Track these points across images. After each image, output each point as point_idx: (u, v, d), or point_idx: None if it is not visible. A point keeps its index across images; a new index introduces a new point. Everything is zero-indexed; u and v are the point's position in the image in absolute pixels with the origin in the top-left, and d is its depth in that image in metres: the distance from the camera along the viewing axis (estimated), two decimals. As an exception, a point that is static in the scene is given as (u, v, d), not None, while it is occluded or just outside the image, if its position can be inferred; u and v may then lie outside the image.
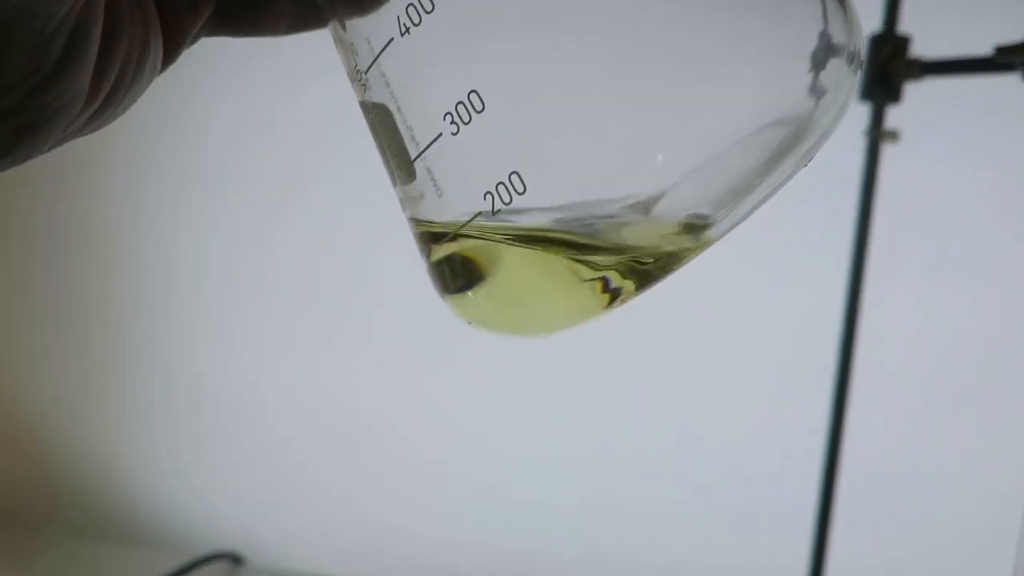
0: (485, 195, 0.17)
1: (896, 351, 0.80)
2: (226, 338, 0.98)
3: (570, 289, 0.18)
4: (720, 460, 0.87)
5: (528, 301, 0.19)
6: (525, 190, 0.17)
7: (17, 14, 0.15)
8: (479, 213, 0.18)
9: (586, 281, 0.18)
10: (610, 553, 0.91)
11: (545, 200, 0.17)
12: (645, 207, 0.17)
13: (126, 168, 0.96)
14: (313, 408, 0.96)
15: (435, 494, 0.94)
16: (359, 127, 0.20)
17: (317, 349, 0.96)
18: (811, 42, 0.17)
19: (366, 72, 0.18)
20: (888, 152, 0.66)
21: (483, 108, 0.17)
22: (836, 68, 0.17)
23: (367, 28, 0.18)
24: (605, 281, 0.18)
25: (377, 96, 0.18)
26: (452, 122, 0.17)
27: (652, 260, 0.18)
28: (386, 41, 0.18)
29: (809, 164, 0.18)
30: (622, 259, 0.18)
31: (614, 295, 0.18)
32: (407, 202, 0.19)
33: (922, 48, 0.62)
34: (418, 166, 0.18)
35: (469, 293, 0.19)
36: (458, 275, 0.19)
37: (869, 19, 0.62)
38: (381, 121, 0.19)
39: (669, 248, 0.18)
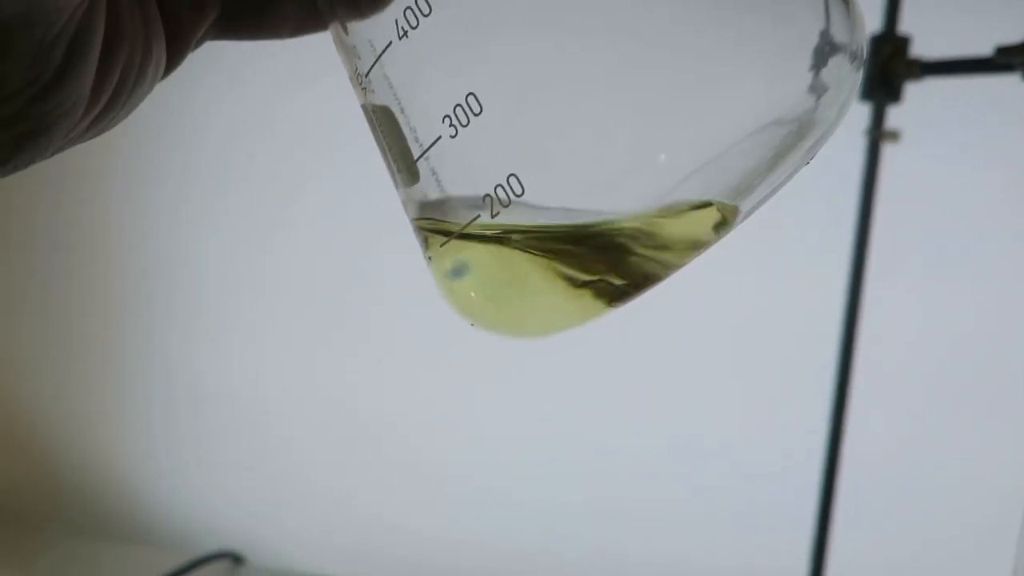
0: (484, 198, 0.17)
1: (896, 351, 0.80)
2: (226, 337, 0.98)
3: (570, 290, 0.18)
4: (720, 460, 0.87)
5: (529, 302, 0.19)
6: (523, 192, 0.17)
7: (17, 22, 0.15)
8: (479, 215, 0.18)
9: (586, 282, 0.18)
10: (610, 553, 0.91)
11: (545, 202, 0.17)
12: (645, 208, 0.17)
13: (126, 168, 0.96)
14: (313, 408, 0.96)
15: (435, 494, 0.94)
16: (358, 127, 0.20)
17: (317, 348, 0.96)
18: (812, 41, 0.17)
19: (366, 75, 0.18)
20: (888, 152, 0.66)
21: (481, 111, 0.17)
22: (838, 66, 0.17)
23: (369, 31, 0.18)
24: (605, 282, 0.18)
25: (380, 98, 0.18)
26: (451, 125, 0.17)
27: (652, 261, 0.18)
28: (385, 44, 0.18)
29: (810, 163, 0.18)
30: (622, 260, 0.18)
31: (614, 296, 0.18)
32: (409, 204, 0.19)
33: (922, 48, 0.62)
34: (421, 167, 0.18)
35: (471, 294, 0.19)
36: (460, 276, 0.19)
37: (870, 19, 0.62)
38: (384, 123, 0.19)
39: (669, 249, 0.18)
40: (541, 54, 0.17)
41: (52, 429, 1.03)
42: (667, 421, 0.88)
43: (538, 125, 0.17)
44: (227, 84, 0.89)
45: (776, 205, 0.19)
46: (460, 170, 0.18)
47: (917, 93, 0.63)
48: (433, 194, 0.18)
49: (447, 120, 0.17)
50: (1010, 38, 0.57)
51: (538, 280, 0.18)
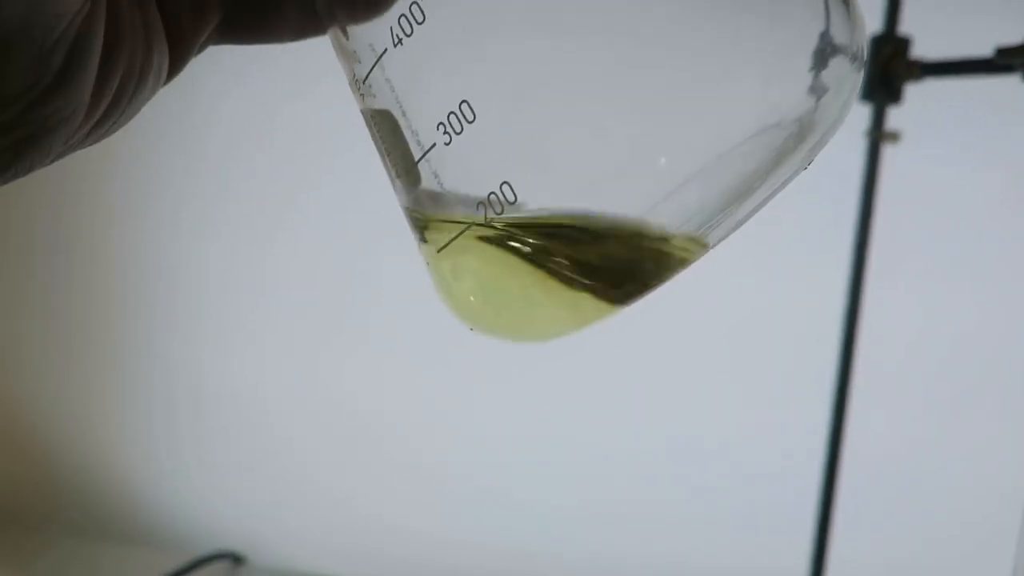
0: (478, 205, 0.17)
1: (896, 351, 0.80)
2: (226, 339, 0.98)
3: (568, 294, 0.18)
4: (720, 460, 0.87)
5: (527, 306, 0.19)
6: (516, 199, 0.17)
7: (16, 28, 0.15)
8: (473, 222, 0.18)
9: (584, 286, 0.18)
10: (610, 553, 0.91)
11: (540, 207, 0.17)
12: (644, 212, 0.17)
13: (127, 172, 0.96)
14: (313, 408, 0.96)
15: (435, 494, 0.94)
16: (358, 132, 0.20)
17: (317, 350, 0.96)
18: (812, 42, 0.17)
19: (363, 81, 0.18)
20: (889, 153, 0.66)
21: (474, 118, 0.17)
22: (838, 67, 0.17)
23: (369, 35, 0.18)
24: (603, 286, 0.18)
25: (380, 102, 0.18)
26: (445, 132, 0.17)
27: (652, 264, 0.18)
28: (381, 51, 0.18)
29: (809, 167, 0.18)
30: (621, 264, 0.18)
31: (613, 299, 0.18)
32: (408, 209, 0.19)
33: (923, 49, 0.62)
34: (422, 170, 0.18)
35: (471, 298, 0.19)
36: (459, 281, 0.19)
37: (870, 20, 0.62)
38: (383, 127, 0.19)
39: (668, 252, 0.18)
40: (534, 61, 0.17)
41: (53, 430, 1.03)
42: (667, 422, 0.88)
43: (531, 132, 0.17)
44: (227, 88, 0.89)
45: (776, 205, 0.19)
46: (455, 176, 0.18)
47: (917, 94, 0.63)
48: (431, 199, 0.18)
49: (441, 127, 0.17)
50: (1010, 39, 0.57)
51: (536, 284, 0.18)
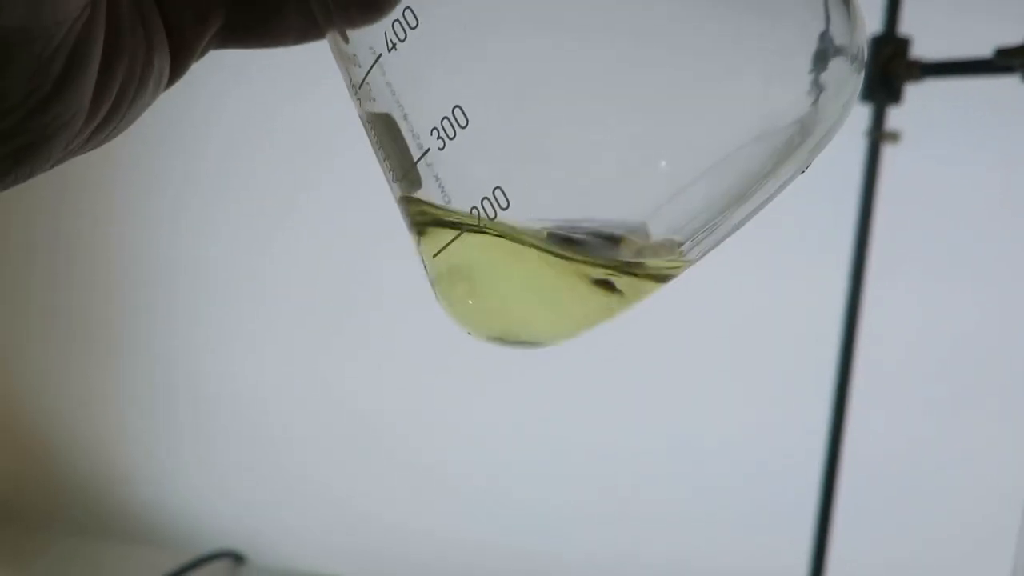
0: (471, 210, 0.17)
1: (896, 351, 0.80)
2: (227, 339, 0.98)
3: (564, 300, 0.18)
4: (720, 459, 0.87)
5: (523, 312, 0.19)
6: (509, 205, 0.17)
7: (16, 35, 0.15)
8: (468, 228, 0.18)
9: (580, 292, 0.18)
10: (610, 553, 0.91)
11: (536, 212, 0.17)
12: (643, 216, 0.17)
13: (127, 174, 0.97)
14: (313, 408, 0.96)
15: (435, 494, 0.94)
16: (357, 134, 0.20)
17: (317, 350, 0.96)
18: (812, 43, 0.16)
19: (360, 85, 0.18)
20: (889, 153, 0.66)
21: (467, 123, 0.17)
22: (838, 68, 0.17)
23: (368, 38, 0.18)
24: (599, 292, 0.18)
25: (379, 106, 0.18)
26: (439, 137, 0.17)
27: (651, 268, 0.18)
28: (377, 55, 0.18)
29: (807, 169, 0.18)
30: (619, 269, 0.18)
31: (610, 305, 0.18)
32: (406, 213, 0.19)
33: (922, 49, 0.62)
34: (423, 173, 0.18)
35: (468, 302, 0.19)
36: (455, 285, 0.19)
37: (870, 20, 0.62)
38: (382, 131, 0.19)
39: (667, 256, 0.18)
40: (527, 65, 0.17)
41: (54, 429, 1.03)
42: (667, 421, 0.88)
43: (524, 137, 0.17)
44: (227, 89, 0.89)
45: (777, 205, 0.19)
46: (451, 181, 0.18)
47: (917, 94, 0.63)
48: (427, 203, 0.18)
49: (435, 132, 0.17)
50: (1010, 39, 0.57)
51: (530, 290, 0.18)
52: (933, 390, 0.82)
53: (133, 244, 0.99)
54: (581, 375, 0.87)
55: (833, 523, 0.70)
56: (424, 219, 0.19)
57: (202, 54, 0.20)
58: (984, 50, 0.58)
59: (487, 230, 0.17)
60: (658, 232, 0.17)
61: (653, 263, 0.18)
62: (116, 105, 0.18)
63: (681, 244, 0.18)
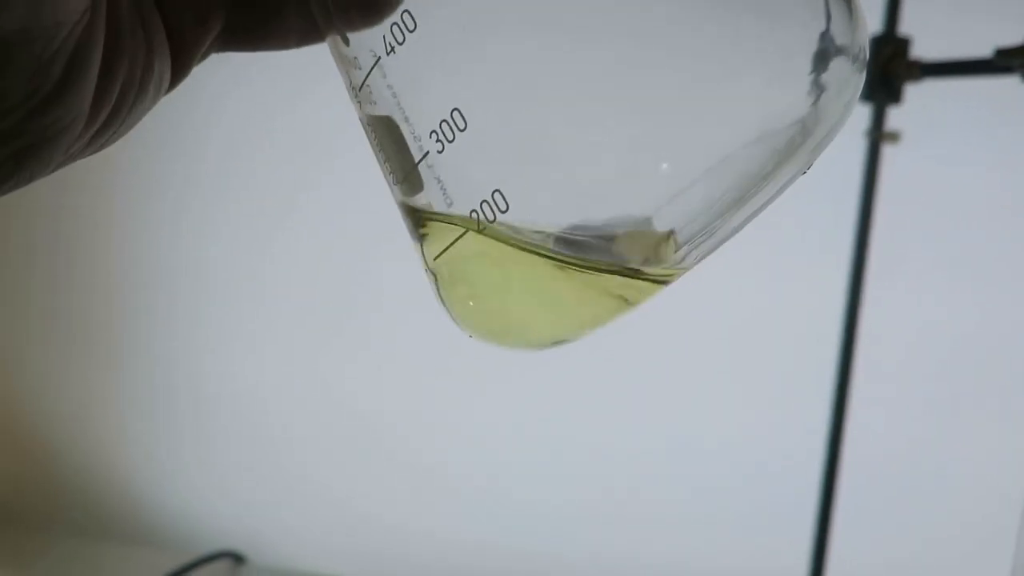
0: (471, 213, 0.17)
1: (896, 351, 0.80)
2: (227, 339, 0.98)
3: (564, 303, 0.18)
4: (720, 460, 0.87)
5: (522, 314, 0.19)
6: (508, 208, 0.17)
7: (16, 37, 0.15)
8: (467, 231, 0.18)
9: (579, 295, 0.18)
10: (610, 553, 0.91)
11: (536, 215, 0.17)
12: (642, 219, 0.17)
13: (128, 176, 0.97)
14: (314, 409, 0.96)
15: (435, 494, 0.94)
16: (357, 135, 0.20)
17: (317, 351, 0.96)
18: (813, 43, 0.16)
19: (360, 88, 0.18)
20: (888, 153, 0.66)
21: (466, 126, 0.17)
22: (840, 69, 0.17)
23: (369, 41, 0.18)
24: (598, 295, 0.18)
25: (379, 109, 0.18)
26: (437, 140, 0.17)
27: (651, 271, 0.18)
28: (376, 58, 0.18)
29: (808, 170, 0.18)
30: (619, 272, 0.18)
31: (610, 308, 0.18)
32: (407, 217, 0.19)
33: (922, 50, 0.62)
34: (423, 175, 0.18)
35: (469, 303, 0.19)
36: (455, 288, 0.19)
37: (870, 20, 0.62)
38: (382, 134, 0.18)
39: (667, 259, 0.18)
40: (525, 68, 0.17)
41: (55, 430, 1.04)
42: (667, 422, 0.88)
43: (522, 140, 0.17)
44: (227, 90, 0.89)
45: (777, 205, 0.19)
46: (451, 183, 0.18)
47: (917, 94, 0.63)
48: (427, 206, 0.18)
49: (434, 135, 0.17)
50: (1010, 39, 0.57)
51: (529, 292, 0.18)
52: (933, 390, 0.82)
53: (133, 245, 0.99)
54: (581, 376, 0.87)
55: (833, 523, 0.70)
56: (424, 222, 0.19)
57: (203, 58, 0.20)
58: (984, 50, 0.58)
59: (487, 233, 0.17)
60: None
61: (653, 269, 0.18)
62: (116, 109, 0.18)
63: (680, 245, 0.17)
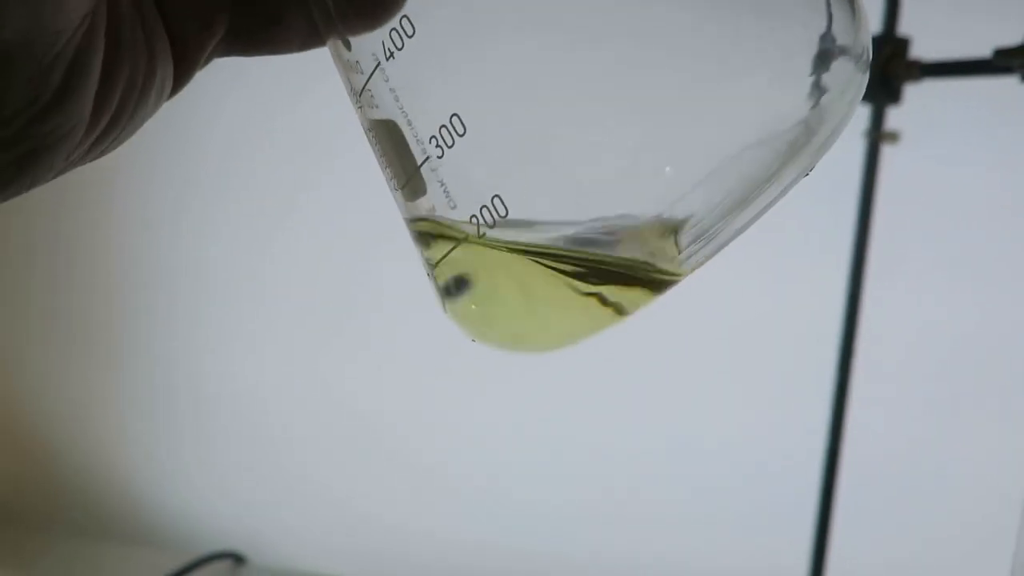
0: (471, 218, 0.17)
1: (896, 351, 0.80)
2: (227, 339, 0.98)
3: (567, 306, 0.18)
4: (720, 460, 0.87)
5: (525, 318, 0.19)
6: (508, 213, 0.17)
7: (16, 44, 0.15)
8: (468, 236, 0.18)
9: (582, 299, 0.18)
10: (610, 553, 0.91)
11: (536, 220, 0.17)
12: (644, 222, 0.17)
13: (128, 176, 0.97)
14: (314, 409, 0.96)
15: (435, 494, 0.94)
16: (357, 135, 0.20)
17: (317, 351, 0.96)
18: (815, 43, 0.16)
19: (360, 93, 0.18)
20: (888, 153, 0.66)
21: (465, 131, 0.17)
22: (842, 69, 0.17)
23: (371, 45, 0.18)
24: (601, 298, 0.18)
25: (382, 113, 0.18)
26: (437, 145, 0.17)
27: (652, 274, 0.18)
28: (376, 63, 0.18)
29: (811, 172, 0.18)
30: (620, 276, 0.18)
31: (615, 310, 0.18)
32: (410, 221, 0.19)
33: (922, 50, 0.62)
34: (426, 178, 0.18)
35: (471, 307, 0.19)
36: (460, 292, 0.19)
37: (869, 21, 0.62)
38: (384, 139, 0.18)
39: (668, 263, 0.18)
40: (525, 73, 0.17)
41: (54, 430, 1.04)
42: (667, 422, 0.88)
43: (523, 145, 0.17)
44: (227, 90, 0.89)
45: (776, 206, 0.19)
46: (452, 188, 0.18)
47: (916, 94, 0.63)
48: (430, 211, 0.18)
49: (434, 140, 0.17)
50: (1009, 39, 0.57)
51: (531, 296, 0.18)
52: (933, 390, 0.82)
53: (133, 245, 0.99)
54: (581, 376, 0.87)
55: (833, 523, 0.70)
56: (426, 227, 0.19)
57: (206, 63, 0.20)
58: (983, 50, 0.58)
59: (487, 238, 0.17)
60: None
61: (656, 272, 0.18)
62: (117, 115, 0.18)
63: (683, 248, 0.17)
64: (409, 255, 0.20)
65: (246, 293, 0.97)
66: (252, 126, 0.92)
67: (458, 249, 0.18)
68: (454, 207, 0.18)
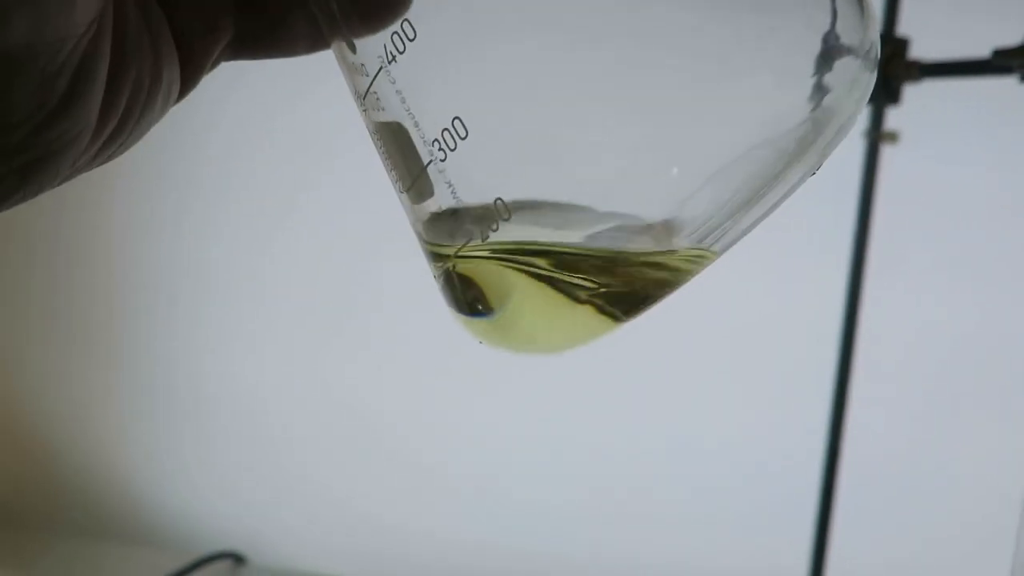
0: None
1: (896, 351, 0.80)
2: (228, 339, 0.98)
3: (573, 308, 0.18)
4: (720, 460, 0.87)
5: (533, 320, 0.19)
6: (510, 217, 0.17)
7: (21, 51, 0.15)
8: (470, 239, 0.17)
9: (587, 300, 0.18)
10: (610, 553, 0.91)
11: (539, 222, 0.17)
12: (648, 223, 0.17)
13: (128, 176, 0.97)
14: (314, 409, 0.96)
15: (435, 494, 0.94)
16: (358, 134, 0.20)
17: (317, 351, 0.96)
18: (820, 41, 0.16)
19: (364, 96, 0.18)
20: (887, 153, 0.66)
21: (466, 135, 0.17)
22: (849, 67, 0.16)
23: (375, 47, 0.18)
24: (609, 297, 0.18)
25: (388, 115, 0.18)
26: (440, 148, 0.17)
27: (656, 277, 0.18)
28: (379, 67, 0.18)
29: (818, 172, 0.18)
30: (624, 277, 0.18)
31: (621, 310, 0.18)
32: (417, 224, 0.19)
33: (921, 50, 0.62)
34: (434, 181, 0.18)
35: (479, 307, 0.19)
36: (466, 295, 0.19)
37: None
38: (389, 142, 0.18)
39: (670, 265, 0.18)
40: (526, 76, 0.17)
41: (55, 430, 1.03)
42: (667, 422, 0.88)
43: (525, 148, 0.17)
44: (228, 90, 0.89)
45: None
46: (460, 189, 0.18)
47: (916, 95, 0.63)
48: (435, 214, 0.18)
49: (436, 144, 0.17)
50: (1009, 39, 0.57)
51: (538, 299, 0.18)
52: (933, 390, 0.82)
53: (133, 245, 0.99)
54: (581, 376, 0.87)
55: (833, 523, 0.70)
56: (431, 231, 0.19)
57: (212, 67, 0.20)
58: (983, 51, 0.58)
59: (491, 240, 0.17)
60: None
61: (660, 272, 0.18)
62: (123, 120, 0.18)
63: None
64: (409, 255, 0.20)
65: (246, 293, 0.96)
66: (252, 126, 0.92)
67: (462, 252, 0.18)
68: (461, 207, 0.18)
